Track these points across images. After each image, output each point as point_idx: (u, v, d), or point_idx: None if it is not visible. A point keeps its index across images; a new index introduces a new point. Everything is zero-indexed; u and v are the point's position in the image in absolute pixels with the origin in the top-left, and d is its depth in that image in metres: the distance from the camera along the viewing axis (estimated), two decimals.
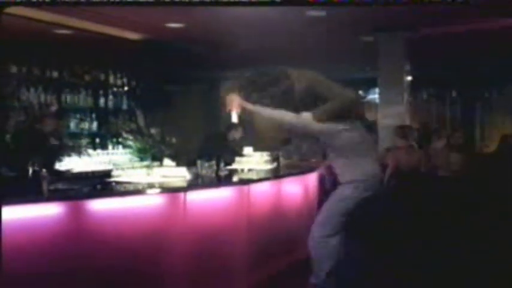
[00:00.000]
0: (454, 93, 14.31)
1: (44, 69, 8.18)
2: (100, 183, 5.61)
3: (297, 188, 6.59)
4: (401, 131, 7.61)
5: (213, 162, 5.69)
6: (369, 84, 13.81)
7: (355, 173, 5.00)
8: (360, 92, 15.34)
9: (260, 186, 5.67)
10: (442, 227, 6.65)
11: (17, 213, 4.01)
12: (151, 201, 4.71)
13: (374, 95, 14.07)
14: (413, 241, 6.56)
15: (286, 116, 5.02)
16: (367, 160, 5.10)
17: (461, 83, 13.88)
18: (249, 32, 8.23)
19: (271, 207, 5.94)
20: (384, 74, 9.21)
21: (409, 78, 9.57)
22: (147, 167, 6.09)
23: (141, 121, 8.88)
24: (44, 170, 4.65)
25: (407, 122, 8.94)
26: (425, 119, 13.04)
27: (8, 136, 5.41)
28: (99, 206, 4.41)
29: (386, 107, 9.14)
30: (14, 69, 7.65)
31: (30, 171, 5.00)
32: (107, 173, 6.27)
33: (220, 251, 5.14)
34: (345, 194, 5.00)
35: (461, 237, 6.53)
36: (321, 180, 6.88)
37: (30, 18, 6.81)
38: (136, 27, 8.10)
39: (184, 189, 4.98)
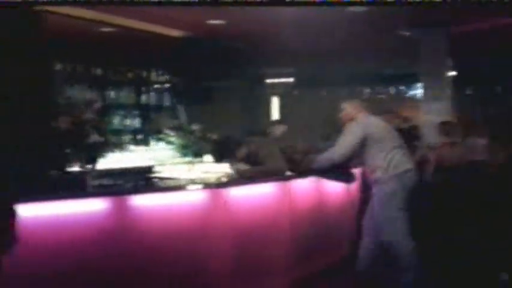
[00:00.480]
0: (498, 89, 14.05)
1: (88, 66, 8.30)
2: (142, 179, 5.68)
3: (339, 184, 6.56)
4: (445, 127, 7.53)
5: None
6: (411, 80, 13.66)
7: (396, 166, 5.10)
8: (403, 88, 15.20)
9: (302, 182, 5.65)
10: (484, 223, 6.55)
11: (62, 209, 4.09)
12: (193, 197, 4.75)
13: (416, 91, 13.92)
14: (457, 236, 6.49)
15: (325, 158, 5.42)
16: (403, 152, 5.25)
17: (505, 78, 13.61)
18: (289, 29, 8.22)
19: (313, 204, 5.91)
20: (427, 70, 9.11)
21: (452, 73, 9.43)
22: (189, 163, 6.14)
23: (182, 118, 8.95)
24: (88, 166, 4.73)
25: (450, 117, 8.81)
26: (468, 114, 12.83)
27: (55, 132, 5.50)
28: (142, 201, 4.47)
29: (430, 102, 9.04)
30: (59, 67, 7.79)
31: (75, 167, 5.08)
32: (149, 169, 6.35)
33: (262, 248, 5.14)
34: (391, 188, 5.06)
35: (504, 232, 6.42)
36: (363, 178, 6.85)
37: (74, 17, 6.92)
38: (178, 25, 8.15)
39: (225, 185, 5.01)
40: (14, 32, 5.56)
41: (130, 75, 8.96)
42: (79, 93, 7.81)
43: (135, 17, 7.50)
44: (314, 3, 4.73)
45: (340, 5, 5.11)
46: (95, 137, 5.04)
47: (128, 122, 8.70)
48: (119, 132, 8.06)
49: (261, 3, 4.85)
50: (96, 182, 4.82)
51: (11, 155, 2.09)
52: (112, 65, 8.69)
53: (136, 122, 8.91)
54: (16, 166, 2.11)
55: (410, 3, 5.38)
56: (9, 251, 1.97)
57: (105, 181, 5.02)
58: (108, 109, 8.21)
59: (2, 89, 5.35)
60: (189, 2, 4.41)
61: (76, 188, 4.52)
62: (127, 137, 7.52)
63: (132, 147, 6.07)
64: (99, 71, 8.50)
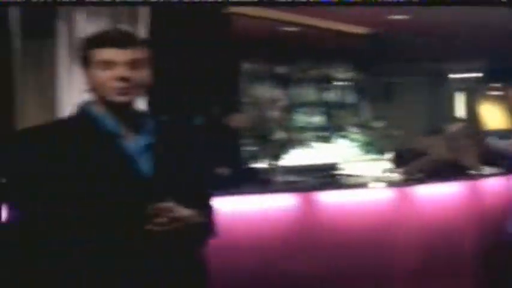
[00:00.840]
0: None
1: (273, 65, 8.48)
2: (327, 176, 5.69)
3: None
4: None
5: None
6: None
7: None
8: None
9: (491, 181, 5.33)
10: None
11: (249, 204, 4.21)
12: (378, 195, 4.67)
13: None
14: None
15: None
16: None
17: None
18: (474, 22, 7.79)
19: (503, 205, 5.55)
20: None
21: None
22: (373, 160, 6.04)
23: (365, 115, 8.85)
24: (273, 163, 4.82)
25: None
26: None
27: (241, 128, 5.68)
28: (328, 198, 4.47)
29: None
30: (245, 66, 8.03)
31: (261, 163, 5.21)
32: (333, 166, 6.35)
33: (448, 250, 4.93)
34: None
35: None
36: None
37: (258, 17, 7.09)
38: (361, 21, 8.07)
39: (410, 184, 4.86)
40: (205, 33, 5.85)
41: (313, 73, 9.03)
42: (264, 92, 7.99)
43: (318, 16, 7.54)
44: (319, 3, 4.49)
45: (340, 5, 4.81)
46: (279, 134, 5.13)
47: (311, 119, 8.77)
48: (302, 129, 8.14)
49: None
50: (282, 178, 4.91)
51: (205, 151, 2.14)
52: (296, 63, 8.81)
53: (319, 119, 8.96)
54: (209, 162, 2.15)
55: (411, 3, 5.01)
56: (206, 244, 2.02)
57: (291, 177, 5.09)
58: (292, 107, 8.33)
59: (195, 86, 5.66)
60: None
61: (262, 184, 4.63)
62: (310, 134, 7.57)
63: (315, 144, 6.10)
64: (283, 70, 8.65)
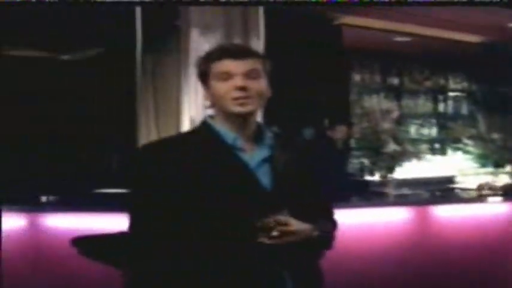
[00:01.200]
0: None
1: (385, 76, 8.37)
2: (441, 189, 5.54)
3: None
4: None
5: None
6: None
7: None
8: None
9: None
10: None
11: (362, 217, 4.16)
12: (495, 209, 4.49)
13: None
14: None
15: None
16: None
17: None
18: None
19: None
20: None
21: None
22: (489, 173, 5.82)
23: (482, 126, 8.53)
24: (387, 175, 4.75)
25: None
26: None
27: (351, 141, 5.66)
28: (442, 212, 4.35)
29: None
30: (357, 77, 7.98)
31: (374, 176, 5.15)
32: (448, 179, 6.16)
33: None
34: None
35: None
36: None
37: (368, 28, 7.03)
38: (476, 29, 7.81)
39: None
40: (316, 44, 5.87)
41: (427, 83, 8.82)
42: (377, 103, 7.90)
43: (431, 25, 7.37)
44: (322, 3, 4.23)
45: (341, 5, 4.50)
46: (392, 146, 5.05)
47: (424, 131, 8.57)
48: (415, 141, 7.97)
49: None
50: (395, 191, 4.82)
51: (321, 164, 2.13)
52: (408, 73, 8.66)
53: (433, 131, 8.75)
54: (325, 175, 2.15)
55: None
56: (322, 256, 2.02)
57: (404, 190, 4.99)
58: (405, 118, 8.18)
59: (306, 98, 5.67)
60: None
61: (376, 197, 4.57)
62: (424, 146, 7.41)
63: (429, 156, 5.95)
64: (395, 80, 8.52)
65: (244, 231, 1.83)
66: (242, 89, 1.89)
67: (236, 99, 1.89)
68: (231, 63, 1.90)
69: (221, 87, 1.91)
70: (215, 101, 1.95)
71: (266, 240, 1.81)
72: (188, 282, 1.85)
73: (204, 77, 1.96)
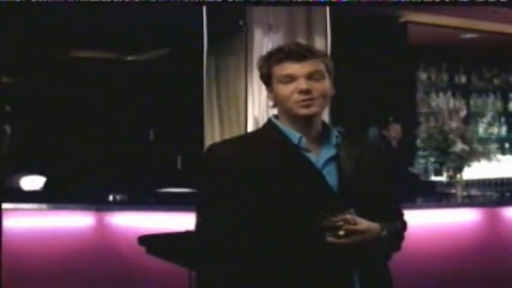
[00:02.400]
0: None
1: (452, 74, 8.20)
2: (511, 191, 5.39)
3: None
4: None
5: None
6: None
7: None
8: None
9: None
10: None
11: (431, 218, 4.09)
12: None
13: None
14: None
15: None
16: None
17: None
18: None
19: None
20: None
21: None
22: None
23: None
24: (458, 176, 4.64)
25: None
26: None
27: (418, 140, 5.56)
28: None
29: None
30: (423, 76, 7.85)
31: (440, 176, 5.05)
32: None
33: None
34: None
35: None
36: None
37: (434, 25, 6.90)
38: None
39: None
40: (382, 43, 5.80)
41: (495, 81, 8.60)
42: (444, 102, 7.75)
43: (499, 21, 7.18)
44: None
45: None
46: (460, 146, 4.94)
47: (494, 130, 8.36)
48: (484, 140, 7.77)
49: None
50: (463, 192, 4.71)
51: (388, 163, 2.10)
52: (476, 71, 8.46)
53: (502, 130, 8.52)
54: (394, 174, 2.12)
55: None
56: (390, 256, 1.99)
57: (472, 191, 4.88)
58: (473, 117, 7.99)
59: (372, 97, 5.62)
60: None
61: (444, 198, 4.49)
62: (493, 146, 7.21)
63: (499, 156, 5.79)
64: (462, 78, 8.33)
65: (311, 231, 1.82)
66: (306, 91, 1.88)
67: (300, 101, 1.89)
68: (293, 65, 1.90)
69: (284, 90, 1.91)
70: (279, 103, 1.95)
71: (333, 240, 1.80)
72: (255, 282, 1.86)
73: (267, 79, 1.97)
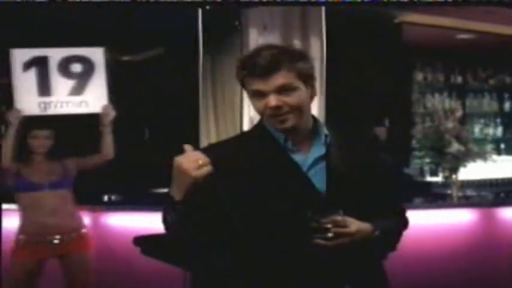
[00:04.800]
0: None
1: (448, 75, 8.19)
2: (507, 191, 5.40)
3: None
4: None
5: None
6: None
7: None
8: None
9: None
10: None
11: (426, 219, 4.08)
12: None
13: None
14: None
15: None
16: None
17: None
18: None
19: None
20: None
21: None
22: None
23: None
24: (453, 176, 4.64)
25: None
26: None
27: (414, 141, 5.57)
28: (508, 214, 4.23)
29: None
30: (419, 76, 7.84)
31: (436, 176, 5.05)
32: None
33: None
34: None
35: None
36: None
37: (429, 25, 6.90)
38: None
39: None
40: (377, 43, 5.80)
41: (491, 81, 8.60)
42: (440, 102, 7.74)
43: (493, 21, 7.17)
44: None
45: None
46: (456, 146, 4.94)
47: (489, 130, 8.36)
48: (480, 141, 7.78)
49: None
50: (459, 193, 4.71)
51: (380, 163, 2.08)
52: (471, 71, 8.46)
53: (498, 131, 8.52)
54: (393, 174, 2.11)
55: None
56: (384, 257, 1.98)
57: (468, 192, 4.88)
58: (469, 117, 7.99)
59: (367, 97, 5.61)
60: None
61: (439, 198, 4.49)
62: (489, 147, 7.22)
63: (495, 156, 5.79)
64: (458, 79, 8.33)
65: (298, 233, 1.79)
66: (276, 108, 1.82)
67: (273, 116, 1.84)
68: (259, 82, 1.81)
69: (257, 104, 1.86)
70: (255, 108, 1.90)
71: (322, 242, 1.77)
72: (244, 283, 1.85)
73: (243, 87, 1.91)
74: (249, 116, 4.40)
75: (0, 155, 3.82)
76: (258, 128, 1.98)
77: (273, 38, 4.53)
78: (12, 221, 4.00)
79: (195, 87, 4.31)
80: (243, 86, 1.90)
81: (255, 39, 4.56)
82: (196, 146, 1.75)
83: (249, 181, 1.84)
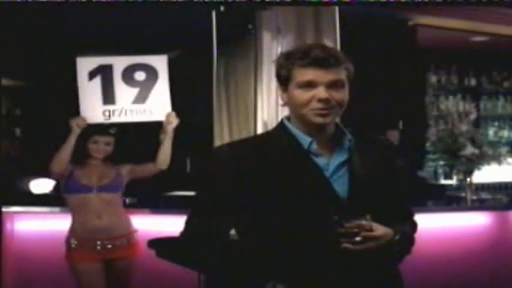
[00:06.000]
0: None
1: (462, 77, 8.16)
2: None
3: None
4: None
5: None
6: None
7: None
8: None
9: None
10: None
11: (441, 222, 4.07)
12: None
13: None
14: None
15: None
16: None
17: None
18: None
19: None
20: None
21: None
22: None
23: None
24: (468, 179, 4.61)
25: None
26: None
27: (428, 144, 5.55)
28: None
29: None
30: (433, 79, 7.82)
31: (450, 179, 5.03)
32: None
33: None
34: None
35: None
36: None
37: (444, 28, 6.88)
38: None
39: None
40: (392, 46, 5.79)
41: (505, 84, 8.55)
42: (454, 105, 7.72)
43: (507, 23, 7.14)
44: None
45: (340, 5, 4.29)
46: (470, 149, 4.92)
47: (504, 133, 8.31)
48: (495, 144, 7.74)
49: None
50: (473, 196, 4.69)
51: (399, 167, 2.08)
52: (486, 74, 8.42)
53: None
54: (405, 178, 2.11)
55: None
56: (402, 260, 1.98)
57: (483, 195, 4.86)
58: (483, 120, 7.95)
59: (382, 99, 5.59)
60: None
61: (454, 201, 4.47)
62: (503, 149, 7.18)
63: (509, 159, 5.76)
64: (472, 81, 8.30)
65: (324, 237, 1.80)
66: (325, 101, 1.83)
67: (317, 110, 1.84)
68: (317, 72, 1.82)
69: (302, 95, 1.85)
70: (293, 107, 1.90)
71: (349, 246, 1.79)
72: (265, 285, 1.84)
73: (284, 79, 1.90)
74: (262, 119, 4.40)
75: (56, 157, 3.84)
76: (280, 129, 1.96)
77: (287, 41, 4.53)
78: (23, 224, 4.02)
79: (209, 90, 4.32)
80: (286, 78, 1.88)
81: (269, 42, 4.57)
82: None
83: (272, 183, 1.83)
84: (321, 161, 1.90)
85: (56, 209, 4.41)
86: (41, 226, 4.40)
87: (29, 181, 5.47)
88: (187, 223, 1.95)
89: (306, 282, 1.82)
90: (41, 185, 5.40)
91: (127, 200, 4.34)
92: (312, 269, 1.82)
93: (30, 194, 5.36)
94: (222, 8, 4.16)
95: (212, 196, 1.88)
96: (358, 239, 1.79)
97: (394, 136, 5.67)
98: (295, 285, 1.82)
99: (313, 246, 1.82)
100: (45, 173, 4.01)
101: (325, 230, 1.79)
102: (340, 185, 1.88)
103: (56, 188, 4.86)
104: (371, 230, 1.80)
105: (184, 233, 1.95)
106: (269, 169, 1.86)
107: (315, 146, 1.89)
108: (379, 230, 1.82)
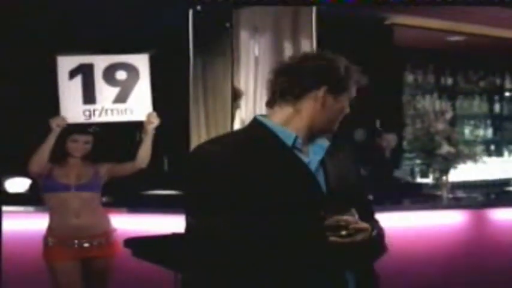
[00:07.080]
0: None
1: (439, 76, 8.23)
2: (497, 192, 5.42)
3: None
4: None
5: None
6: None
7: None
8: None
9: None
10: None
11: (417, 220, 4.09)
12: None
13: None
14: None
15: None
16: None
17: None
18: None
19: None
20: None
21: None
22: None
23: None
24: (444, 178, 4.65)
25: None
26: None
27: (404, 143, 5.58)
28: (499, 216, 4.25)
29: None
30: (409, 78, 7.87)
31: (426, 178, 5.06)
32: (504, 182, 6.01)
33: None
34: None
35: None
36: None
37: (420, 27, 6.92)
38: None
39: None
40: (366, 43, 5.81)
41: (481, 83, 8.64)
42: (430, 104, 7.77)
43: (484, 23, 7.21)
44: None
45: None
46: (446, 148, 4.96)
47: (479, 132, 8.39)
48: (470, 142, 7.83)
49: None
50: (449, 194, 4.73)
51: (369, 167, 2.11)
52: (462, 73, 8.49)
53: (488, 132, 8.56)
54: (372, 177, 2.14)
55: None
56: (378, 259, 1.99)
57: (459, 193, 4.91)
58: (459, 119, 8.02)
59: (357, 99, 5.62)
60: None
61: (430, 200, 4.50)
62: (479, 148, 7.27)
63: (485, 158, 5.82)
64: (449, 81, 8.37)
65: (312, 231, 1.82)
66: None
67: (338, 122, 2.01)
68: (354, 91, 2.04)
69: (347, 107, 2.01)
70: (329, 112, 1.96)
71: (336, 239, 1.81)
72: (252, 281, 1.83)
73: (341, 88, 2.00)
74: (240, 117, 4.40)
75: (35, 156, 3.82)
76: (257, 126, 1.95)
77: (264, 40, 4.53)
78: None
79: (186, 88, 4.31)
80: (343, 90, 2.00)
81: (246, 40, 4.56)
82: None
83: (260, 181, 1.83)
84: (303, 157, 1.92)
85: (31, 209, 4.37)
86: (15, 226, 4.35)
87: (4, 180, 5.42)
88: (187, 225, 1.92)
89: (296, 278, 1.82)
90: (17, 184, 5.35)
91: (103, 199, 4.31)
92: (300, 265, 1.82)
93: (5, 193, 5.30)
94: (198, 7, 4.14)
95: (210, 196, 1.85)
96: (344, 232, 1.81)
97: (388, 140, 5.68)
98: (282, 281, 1.81)
99: (302, 242, 1.82)
100: (21, 172, 3.98)
101: (313, 224, 1.81)
102: (321, 182, 1.91)
103: (32, 187, 4.82)
104: (356, 223, 1.83)
105: (187, 236, 1.92)
106: (259, 167, 1.85)
107: (300, 141, 1.92)
108: (363, 224, 1.85)
